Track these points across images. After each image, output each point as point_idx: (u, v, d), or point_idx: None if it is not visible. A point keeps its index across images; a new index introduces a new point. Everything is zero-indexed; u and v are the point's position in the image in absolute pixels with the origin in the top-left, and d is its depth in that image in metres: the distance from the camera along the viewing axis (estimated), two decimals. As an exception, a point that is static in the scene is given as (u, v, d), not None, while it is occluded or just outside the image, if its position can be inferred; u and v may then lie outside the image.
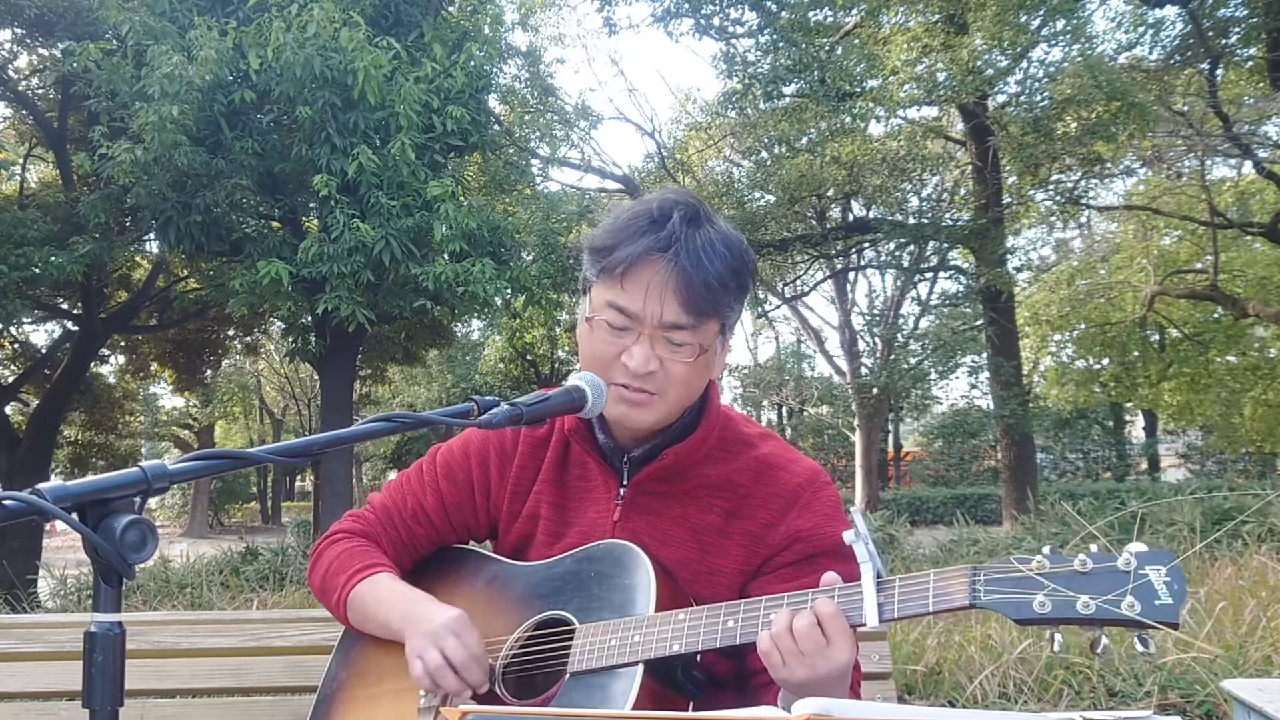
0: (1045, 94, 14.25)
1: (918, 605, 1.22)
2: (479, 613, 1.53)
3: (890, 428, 33.23)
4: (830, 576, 1.30)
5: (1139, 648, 1.12)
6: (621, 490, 1.55)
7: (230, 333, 19.15)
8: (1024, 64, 14.63)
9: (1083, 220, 21.71)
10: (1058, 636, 1.18)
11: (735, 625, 1.31)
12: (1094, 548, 1.18)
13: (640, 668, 1.33)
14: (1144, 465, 31.46)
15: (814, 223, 19.44)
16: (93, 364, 16.78)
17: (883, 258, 22.39)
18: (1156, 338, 23.75)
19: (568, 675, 1.38)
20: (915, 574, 1.25)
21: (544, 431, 1.62)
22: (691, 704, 1.38)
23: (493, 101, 13.69)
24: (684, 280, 1.40)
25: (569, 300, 15.34)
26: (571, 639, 1.41)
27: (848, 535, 1.27)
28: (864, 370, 24.04)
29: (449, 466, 1.66)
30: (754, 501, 1.51)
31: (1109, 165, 16.38)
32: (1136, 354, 22.88)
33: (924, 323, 24.45)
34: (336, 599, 1.59)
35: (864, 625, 1.24)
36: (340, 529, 1.69)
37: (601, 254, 1.45)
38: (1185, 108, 15.86)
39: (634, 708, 1.30)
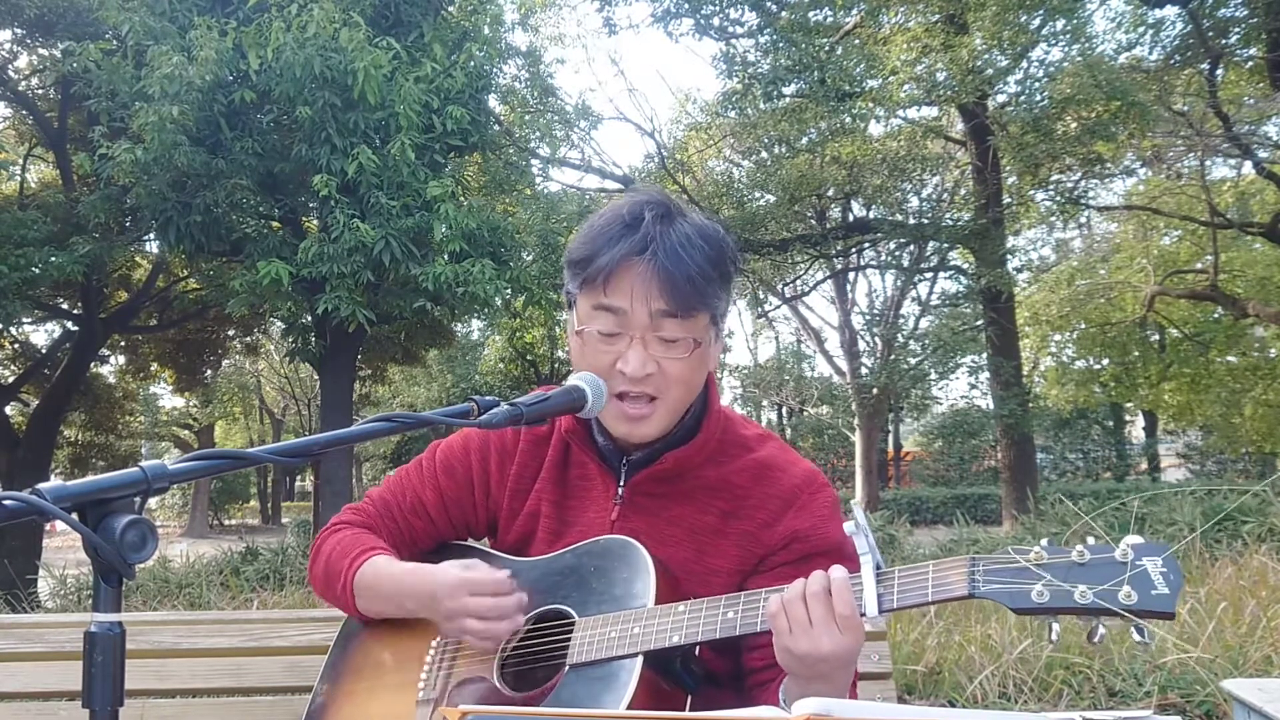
0: (1045, 94, 14.24)
1: (917, 595, 1.23)
2: None
3: (890, 428, 33.22)
4: (838, 569, 1.30)
5: (1136, 637, 1.14)
6: (619, 490, 1.55)
7: (230, 333, 19.15)
8: (1024, 64, 14.62)
9: (1083, 220, 21.72)
10: (1055, 626, 1.19)
11: (735, 616, 1.31)
12: (1091, 539, 1.19)
13: (639, 659, 1.33)
14: (1144, 465, 31.46)
15: (814, 223, 19.45)
16: (93, 364, 16.78)
17: (883, 258, 22.42)
18: (1156, 338, 23.74)
19: (567, 667, 1.38)
20: (914, 565, 1.26)
21: (545, 430, 1.62)
22: (689, 697, 1.38)
23: (493, 101, 13.68)
24: (666, 278, 1.41)
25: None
26: (570, 632, 1.41)
27: (848, 526, 1.27)
28: (864, 370, 24.04)
29: (449, 462, 1.66)
30: (751, 502, 1.52)
31: (1109, 165, 16.39)
32: (1136, 354, 22.88)
33: (924, 323, 24.48)
34: (342, 584, 1.59)
35: (864, 615, 1.25)
36: (339, 520, 1.69)
37: (581, 265, 1.46)
38: (1185, 108, 15.86)
39: (633, 699, 1.30)
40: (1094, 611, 1.14)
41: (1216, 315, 20.60)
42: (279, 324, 14.45)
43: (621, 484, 1.55)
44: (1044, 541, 1.20)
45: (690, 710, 1.38)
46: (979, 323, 19.43)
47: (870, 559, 1.26)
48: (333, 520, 1.70)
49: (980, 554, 1.24)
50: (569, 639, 1.41)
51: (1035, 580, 1.16)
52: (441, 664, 1.51)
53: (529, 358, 25.95)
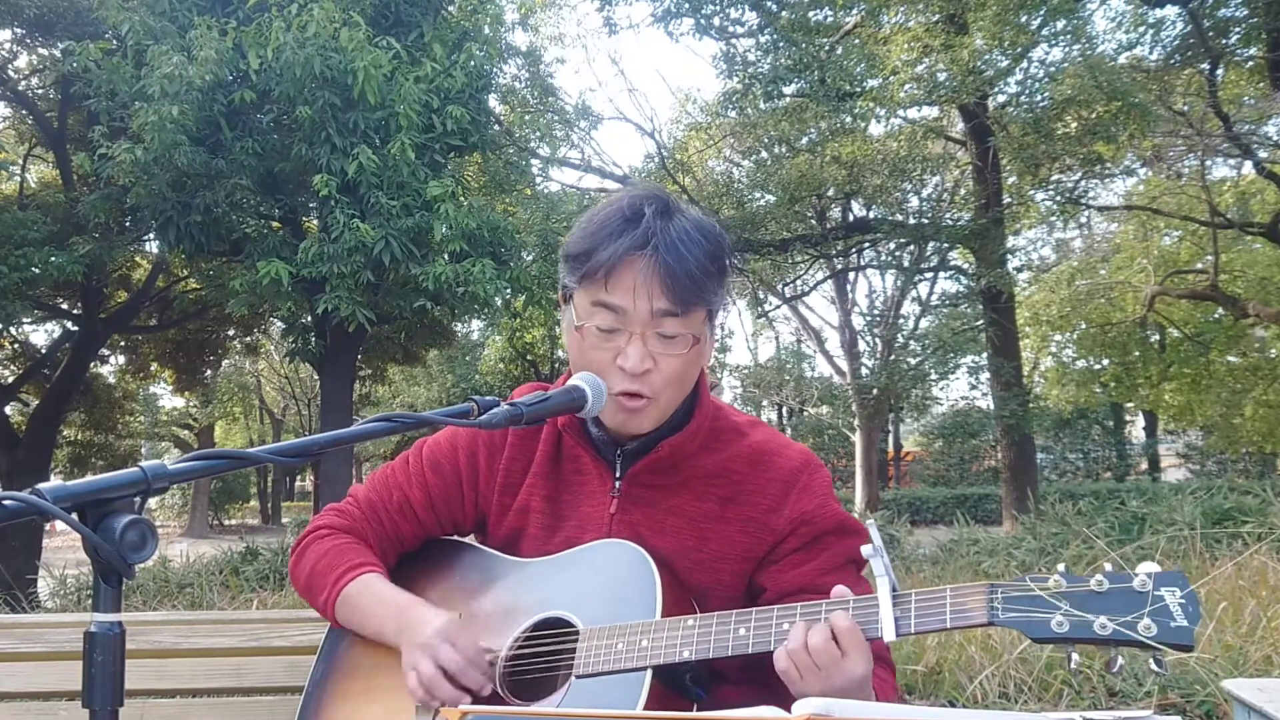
0: (1045, 94, 14.23)
1: (935, 621, 1.22)
2: (475, 611, 1.52)
3: (890, 428, 33.22)
4: (841, 589, 1.30)
5: (1154, 667, 1.14)
6: (616, 483, 1.54)
7: (230, 333, 19.14)
8: (1024, 64, 14.61)
9: (1083, 220, 21.72)
10: (1074, 655, 1.19)
11: (747, 634, 1.30)
12: (1108, 567, 1.19)
13: (648, 673, 1.31)
14: (1144, 465, 31.46)
15: (814, 223, 19.44)
16: (93, 364, 16.77)
17: (883, 258, 22.41)
18: (1157, 338, 23.74)
19: (573, 677, 1.37)
20: (932, 589, 1.25)
21: None
22: (695, 706, 1.37)
23: (493, 101, 13.67)
24: (667, 273, 1.40)
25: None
26: (571, 640, 1.40)
27: (865, 549, 1.26)
28: (864, 370, 24.05)
29: (436, 460, 1.64)
30: (751, 488, 1.52)
31: (1109, 165, 16.37)
32: (1137, 354, 22.88)
33: (924, 323, 24.48)
34: (325, 599, 1.57)
35: (881, 639, 1.24)
36: (323, 524, 1.66)
37: (580, 260, 1.45)
38: (1185, 108, 15.86)
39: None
40: (1114, 643, 1.14)
41: (1217, 315, 20.59)
42: (279, 324, 14.45)
43: (618, 476, 1.54)
44: (1061, 568, 1.20)
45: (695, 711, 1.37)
46: (979, 323, 19.42)
47: (886, 581, 1.25)
48: (315, 523, 1.67)
49: (982, 563, 1.24)
50: (571, 648, 1.39)
51: (1054, 610, 1.16)
52: None
53: (529, 358, 25.93)
